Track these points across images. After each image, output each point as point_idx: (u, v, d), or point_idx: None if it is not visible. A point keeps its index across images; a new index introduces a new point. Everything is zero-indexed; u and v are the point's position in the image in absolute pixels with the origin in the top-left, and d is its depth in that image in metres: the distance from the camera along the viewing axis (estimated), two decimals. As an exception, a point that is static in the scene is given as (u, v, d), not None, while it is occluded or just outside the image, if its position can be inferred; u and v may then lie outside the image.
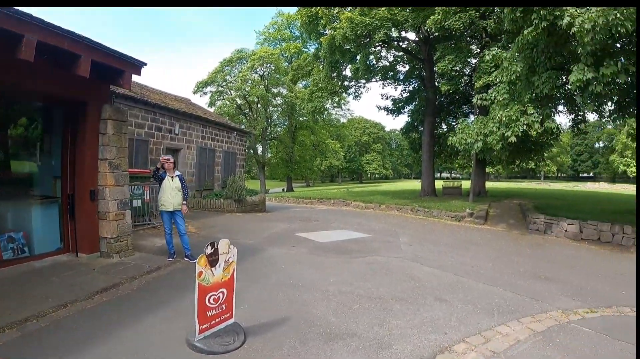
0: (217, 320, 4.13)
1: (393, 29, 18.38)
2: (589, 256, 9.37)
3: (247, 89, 39.78)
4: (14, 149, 7.22)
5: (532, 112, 11.12)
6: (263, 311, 5.01)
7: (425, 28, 17.73)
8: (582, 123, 16.31)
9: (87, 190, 7.07)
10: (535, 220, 12.68)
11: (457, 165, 34.29)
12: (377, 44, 19.54)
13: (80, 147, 7.08)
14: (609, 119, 11.80)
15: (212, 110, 36.91)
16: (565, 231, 11.48)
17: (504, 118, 11.46)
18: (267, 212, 17.24)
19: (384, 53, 23.23)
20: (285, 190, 47.80)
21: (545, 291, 6.21)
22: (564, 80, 10.65)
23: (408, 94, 25.67)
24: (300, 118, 44.26)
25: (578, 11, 8.35)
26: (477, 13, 15.66)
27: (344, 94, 27.08)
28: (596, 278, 7.20)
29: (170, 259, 7.38)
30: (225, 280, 4.19)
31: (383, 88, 26.83)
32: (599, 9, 7.94)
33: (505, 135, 11.51)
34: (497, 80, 12.39)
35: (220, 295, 4.13)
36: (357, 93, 25.20)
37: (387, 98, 26.01)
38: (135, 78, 7.08)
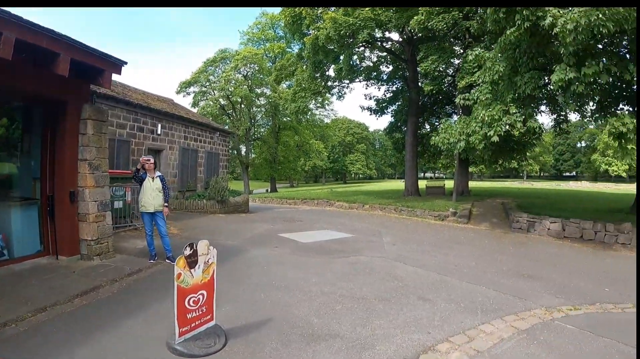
0: (197, 323, 4.04)
1: (377, 30, 18.39)
2: (572, 254, 9.43)
3: (230, 89, 39.61)
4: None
5: (514, 111, 11.17)
6: (245, 312, 4.91)
7: (409, 28, 17.80)
8: (564, 123, 16.51)
9: (67, 191, 6.89)
10: (518, 219, 12.76)
11: (440, 165, 34.49)
12: (360, 44, 19.60)
13: (60, 147, 6.91)
14: (590, 119, 11.90)
15: (195, 110, 36.65)
16: (548, 229, 11.57)
17: (486, 118, 11.50)
18: (251, 213, 17.09)
19: (367, 53, 23.37)
20: (269, 190, 47.64)
21: (528, 289, 6.21)
22: (546, 80, 10.76)
23: (391, 94, 25.77)
24: (284, 119, 44.22)
25: (560, 12, 8.42)
26: (461, 14, 15.78)
27: (327, 94, 27.18)
28: (579, 275, 7.23)
29: (152, 261, 7.26)
30: (205, 281, 4.10)
31: (366, 88, 26.97)
32: (581, 9, 7.99)
33: (488, 134, 11.55)
34: (480, 80, 12.44)
35: (200, 297, 4.05)
36: (340, 94, 25.31)
37: (370, 98, 26.14)
38: (117, 78, 7.01)
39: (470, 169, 30.44)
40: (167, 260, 7.29)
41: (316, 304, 5.24)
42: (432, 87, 18.06)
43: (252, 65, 39.97)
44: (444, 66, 17.89)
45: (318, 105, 44.43)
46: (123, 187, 10.52)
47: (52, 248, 6.98)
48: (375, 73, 24.53)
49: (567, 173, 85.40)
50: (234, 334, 4.23)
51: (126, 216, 10.66)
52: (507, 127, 11.46)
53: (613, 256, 9.15)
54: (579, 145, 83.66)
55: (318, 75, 21.72)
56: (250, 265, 7.44)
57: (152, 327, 4.40)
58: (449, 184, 24.86)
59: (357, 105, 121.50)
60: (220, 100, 41.75)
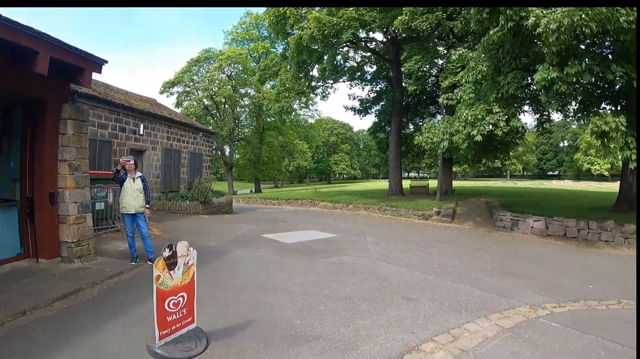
0: (178, 325, 3.94)
1: (361, 30, 18.37)
2: (556, 251, 9.49)
3: (214, 89, 39.37)
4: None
5: (497, 111, 11.21)
6: (227, 314, 4.80)
7: (393, 29, 17.86)
8: (547, 123, 16.66)
9: (47, 192, 6.70)
10: (501, 217, 12.83)
11: (424, 165, 34.67)
12: (344, 44, 19.58)
13: (40, 148, 6.73)
14: (573, 118, 12.01)
15: (179, 110, 36.31)
16: (532, 227, 11.64)
17: (469, 118, 11.52)
18: (234, 214, 16.94)
19: (351, 53, 23.39)
20: (253, 191, 47.35)
21: (512, 287, 6.20)
22: (529, 80, 10.81)
23: (375, 94, 25.84)
24: (268, 119, 44.03)
25: (544, 12, 8.47)
26: (444, 14, 15.86)
27: (311, 94, 27.12)
28: (563, 273, 7.25)
29: (133, 263, 7.13)
30: (185, 283, 4.00)
31: (350, 88, 27.03)
32: (564, 9, 8.04)
33: (471, 134, 11.58)
34: (464, 80, 12.48)
35: (181, 299, 3.95)
36: (324, 94, 25.34)
37: (354, 98, 26.21)
38: (99, 77, 6.87)
39: (454, 169, 30.63)
40: (148, 262, 7.13)
41: (299, 305, 5.15)
42: (415, 87, 18.12)
43: (236, 65, 39.79)
44: (427, 66, 17.97)
45: (302, 105, 44.32)
46: (104, 188, 10.32)
47: (33, 250, 6.79)
48: (359, 74, 24.55)
49: (550, 173, 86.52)
50: (216, 336, 4.14)
51: (108, 217, 10.45)
52: (490, 126, 11.54)
53: (596, 254, 9.23)
54: (561, 144, 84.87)
55: (302, 75, 21.62)
56: (233, 266, 7.32)
57: (132, 330, 4.29)
58: (433, 184, 24.98)
59: (341, 105, 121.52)
60: (204, 100, 41.46)
